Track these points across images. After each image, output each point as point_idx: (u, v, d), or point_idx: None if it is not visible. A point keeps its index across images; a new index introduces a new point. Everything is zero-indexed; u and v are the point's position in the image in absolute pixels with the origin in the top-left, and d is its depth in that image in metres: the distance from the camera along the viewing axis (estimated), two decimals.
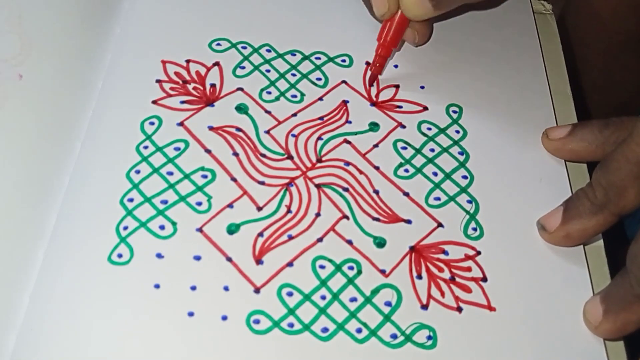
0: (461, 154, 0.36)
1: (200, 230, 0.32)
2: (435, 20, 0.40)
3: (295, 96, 0.37)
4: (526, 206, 0.34)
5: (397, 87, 0.38)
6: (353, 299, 0.31)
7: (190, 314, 0.30)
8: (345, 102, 0.37)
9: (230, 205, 0.33)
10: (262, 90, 0.37)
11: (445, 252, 0.33)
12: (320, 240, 0.32)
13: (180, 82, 0.37)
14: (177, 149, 0.35)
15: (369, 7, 0.38)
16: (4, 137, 0.33)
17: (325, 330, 0.30)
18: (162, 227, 0.32)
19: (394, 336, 0.30)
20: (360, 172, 0.35)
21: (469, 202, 0.34)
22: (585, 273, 0.33)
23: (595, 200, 0.31)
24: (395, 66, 0.39)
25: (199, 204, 0.33)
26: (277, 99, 0.37)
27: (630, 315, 0.29)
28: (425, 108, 0.38)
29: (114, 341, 0.29)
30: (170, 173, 0.34)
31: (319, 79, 0.38)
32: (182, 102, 0.36)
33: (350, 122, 0.37)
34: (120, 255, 0.31)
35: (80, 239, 0.31)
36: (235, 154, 0.35)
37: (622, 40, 0.50)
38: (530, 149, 0.36)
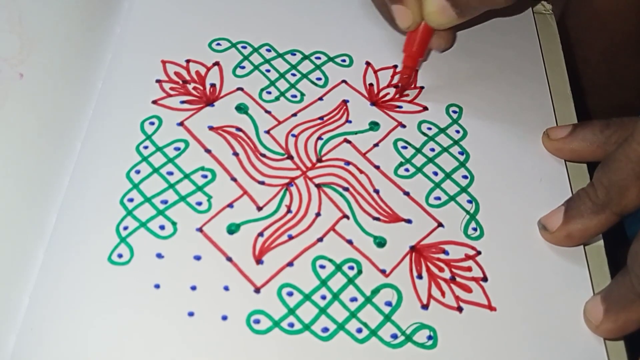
0: (461, 153, 0.36)
1: (200, 230, 0.32)
2: (459, 28, 0.40)
3: (295, 96, 0.37)
4: (526, 206, 0.34)
5: (397, 87, 0.38)
6: (353, 299, 0.31)
7: (191, 314, 0.30)
8: (345, 102, 0.37)
9: (230, 205, 0.33)
10: (262, 90, 0.37)
11: (445, 252, 0.33)
12: (320, 240, 0.32)
13: (180, 82, 0.37)
14: (177, 148, 0.35)
15: (390, 20, 0.37)
16: (4, 136, 0.33)
17: (325, 330, 0.30)
18: (162, 227, 0.32)
19: (395, 336, 0.30)
20: (361, 172, 0.35)
21: (469, 202, 0.34)
22: (586, 273, 0.33)
23: (597, 199, 0.31)
24: (395, 66, 0.39)
25: (199, 203, 0.33)
26: (277, 98, 0.37)
27: (632, 314, 0.29)
28: (425, 108, 0.37)
29: (114, 341, 0.29)
30: (170, 173, 0.34)
31: (319, 79, 0.38)
32: (182, 102, 0.36)
33: (350, 122, 0.37)
34: (120, 255, 0.31)
35: (80, 239, 0.31)
36: (235, 154, 0.35)
37: (622, 40, 0.50)
38: (531, 149, 0.36)
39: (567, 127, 0.35)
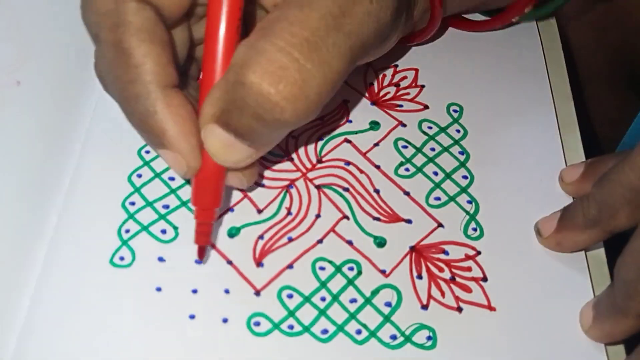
0: (461, 153, 0.36)
1: None
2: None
3: None
4: (526, 207, 0.34)
5: (397, 85, 0.38)
6: (353, 300, 0.31)
7: (192, 317, 0.30)
8: (345, 102, 0.37)
9: (230, 209, 0.33)
10: None
11: (445, 252, 0.33)
12: (320, 241, 0.33)
13: None
14: None
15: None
16: (4, 141, 0.33)
17: (325, 331, 0.30)
18: (163, 232, 0.32)
19: (394, 337, 0.30)
20: (361, 172, 0.35)
21: (469, 202, 0.34)
22: (585, 273, 0.32)
23: (589, 215, 0.31)
24: (396, 65, 0.39)
25: None
26: None
27: (615, 325, 0.29)
28: (426, 107, 0.37)
29: (115, 343, 0.29)
30: (172, 178, 0.34)
31: None
32: None
33: (350, 122, 0.37)
34: (122, 258, 0.31)
35: (81, 241, 0.31)
36: None
37: (591, 75, 0.49)
38: (531, 149, 0.36)
39: (579, 166, 0.34)
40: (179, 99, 0.26)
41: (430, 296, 0.31)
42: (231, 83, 0.25)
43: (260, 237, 0.32)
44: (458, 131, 0.37)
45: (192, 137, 0.26)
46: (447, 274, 0.32)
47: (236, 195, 0.34)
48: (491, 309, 0.31)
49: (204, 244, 0.30)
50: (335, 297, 0.31)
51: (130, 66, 0.26)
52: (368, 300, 0.31)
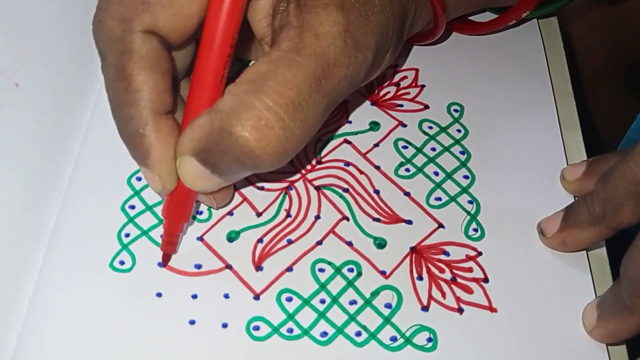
0: (462, 153, 0.36)
1: (201, 239, 0.32)
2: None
3: None
4: (527, 206, 0.34)
5: (397, 85, 0.38)
6: (353, 302, 0.31)
7: (192, 322, 0.30)
8: (344, 102, 0.37)
9: (230, 213, 0.33)
10: None
11: (446, 253, 0.33)
12: (319, 243, 0.33)
13: None
14: None
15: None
16: (3, 143, 0.34)
17: (324, 334, 0.30)
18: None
19: (394, 339, 0.30)
20: (361, 172, 0.35)
21: (470, 202, 0.34)
22: (587, 273, 0.32)
23: (593, 212, 0.31)
24: (396, 65, 0.39)
25: (200, 212, 0.33)
26: None
27: (621, 324, 0.29)
28: (427, 106, 0.37)
29: (114, 348, 0.29)
30: None
31: None
32: None
33: (350, 122, 0.36)
34: (122, 262, 0.31)
35: (80, 243, 0.31)
36: None
37: (592, 72, 0.49)
38: (532, 148, 0.36)
39: (580, 165, 0.34)
40: (168, 126, 0.28)
41: (430, 297, 0.31)
42: (216, 128, 0.27)
43: (260, 240, 0.32)
44: (459, 131, 0.36)
45: (172, 162, 0.28)
46: (447, 275, 0.32)
47: (236, 199, 0.34)
48: (492, 310, 0.31)
49: (170, 252, 0.32)
50: (334, 299, 0.31)
51: (129, 90, 0.28)
52: (368, 302, 0.31)
